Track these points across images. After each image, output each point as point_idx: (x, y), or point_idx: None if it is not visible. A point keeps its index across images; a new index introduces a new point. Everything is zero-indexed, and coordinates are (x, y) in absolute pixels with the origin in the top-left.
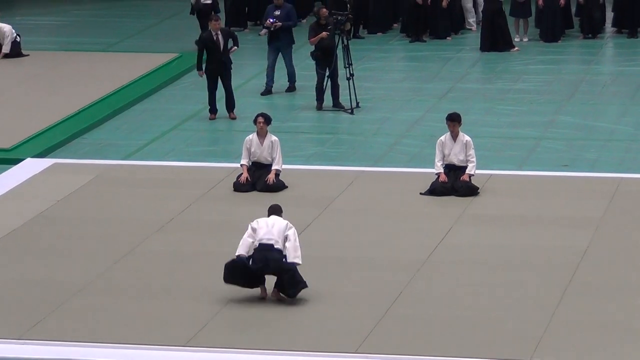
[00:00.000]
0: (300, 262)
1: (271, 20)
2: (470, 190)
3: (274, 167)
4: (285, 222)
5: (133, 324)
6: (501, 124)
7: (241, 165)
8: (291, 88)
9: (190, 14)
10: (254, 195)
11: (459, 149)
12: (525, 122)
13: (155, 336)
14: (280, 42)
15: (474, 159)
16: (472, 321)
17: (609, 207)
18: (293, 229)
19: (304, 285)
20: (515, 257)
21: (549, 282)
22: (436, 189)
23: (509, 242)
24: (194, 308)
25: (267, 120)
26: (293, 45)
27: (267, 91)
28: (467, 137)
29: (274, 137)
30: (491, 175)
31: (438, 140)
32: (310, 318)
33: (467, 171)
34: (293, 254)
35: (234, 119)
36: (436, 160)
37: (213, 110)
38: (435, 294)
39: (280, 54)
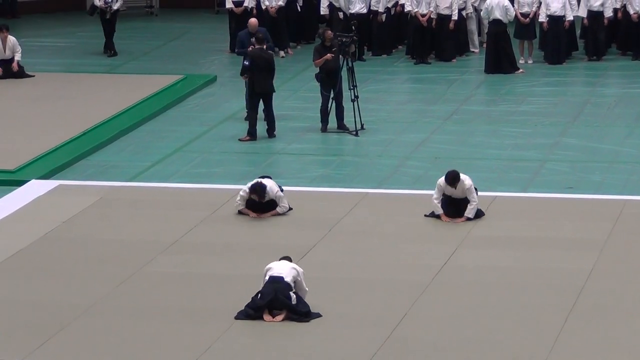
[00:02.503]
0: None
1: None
2: (476, 214)
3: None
4: (294, 265)
5: (136, 346)
6: (506, 146)
7: (242, 209)
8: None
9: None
10: (258, 218)
11: (459, 192)
12: (530, 144)
13: (159, 358)
14: None
15: (476, 201)
16: (476, 344)
17: (613, 229)
18: (302, 271)
19: (315, 315)
20: (520, 279)
21: (553, 304)
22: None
23: (513, 264)
24: (198, 330)
25: (261, 195)
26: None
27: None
28: (467, 183)
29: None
30: (495, 197)
31: (438, 182)
32: (314, 340)
33: (466, 214)
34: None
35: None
36: (434, 200)
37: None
38: (439, 316)
39: None
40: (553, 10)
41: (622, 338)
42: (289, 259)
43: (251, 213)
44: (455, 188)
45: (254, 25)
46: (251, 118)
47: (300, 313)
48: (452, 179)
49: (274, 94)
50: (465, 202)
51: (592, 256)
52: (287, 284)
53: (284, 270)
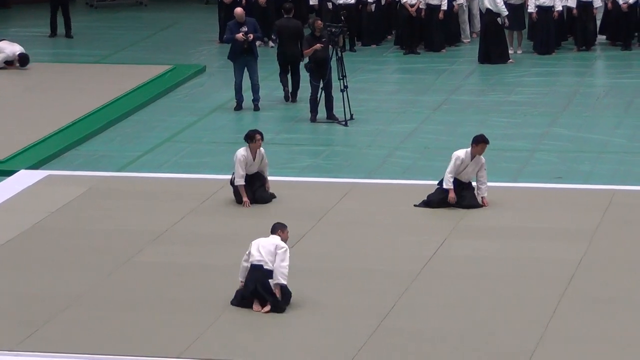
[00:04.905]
0: (284, 282)
1: (244, 31)
2: (474, 203)
3: (267, 176)
4: (276, 243)
5: (126, 335)
6: (495, 136)
7: (241, 186)
8: (257, 107)
9: None
10: (248, 207)
11: (472, 168)
12: (519, 134)
13: (149, 347)
14: (250, 57)
15: (486, 181)
16: (465, 333)
17: (603, 219)
18: (283, 249)
19: (288, 297)
20: (509, 268)
21: (542, 294)
22: (432, 202)
23: (502, 254)
24: (188, 319)
25: (263, 137)
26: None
27: (239, 107)
28: (483, 158)
29: (262, 149)
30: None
31: (456, 155)
32: (304, 329)
33: (483, 194)
34: (277, 274)
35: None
36: (448, 174)
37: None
38: (428, 306)
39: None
40: (542, 1)
41: (611, 327)
42: (276, 228)
43: (245, 197)
44: (482, 152)
45: (241, 14)
46: (283, 82)
47: (282, 307)
48: (483, 138)
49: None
50: (467, 187)
51: (581, 246)
52: (267, 271)
53: (264, 253)
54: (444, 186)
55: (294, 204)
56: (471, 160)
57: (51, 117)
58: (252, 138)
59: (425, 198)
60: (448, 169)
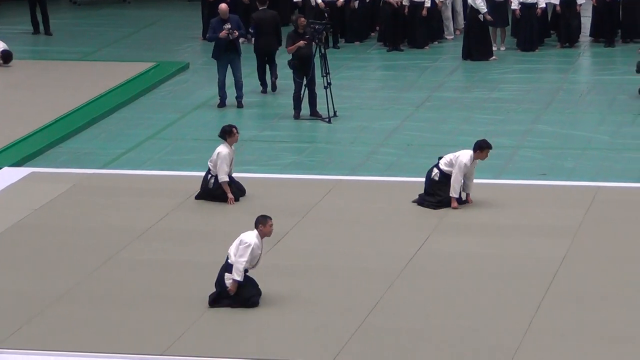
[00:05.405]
0: (238, 279)
1: (227, 28)
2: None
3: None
4: (242, 237)
5: (110, 333)
6: (478, 132)
7: (224, 182)
8: (241, 104)
9: None
10: (233, 204)
11: (469, 171)
12: (503, 131)
13: (133, 345)
14: (234, 54)
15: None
16: (448, 330)
17: (586, 216)
18: (246, 244)
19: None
20: (492, 265)
21: (526, 290)
22: (423, 204)
23: (486, 251)
24: (172, 316)
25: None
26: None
27: (223, 104)
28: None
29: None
30: None
31: (462, 163)
32: (287, 327)
33: (469, 191)
34: (233, 269)
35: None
36: (457, 185)
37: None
38: (412, 303)
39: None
40: None
41: (594, 323)
42: (259, 221)
43: (230, 194)
44: (486, 157)
45: (225, 11)
46: (261, 80)
47: (239, 301)
48: (487, 144)
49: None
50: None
51: (564, 242)
52: (228, 265)
53: (230, 252)
54: (453, 195)
55: (278, 201)
56: (471, 163)
57: (35, 115)
58: (230, 133)
59: (418, 198)
60: (457, 176)
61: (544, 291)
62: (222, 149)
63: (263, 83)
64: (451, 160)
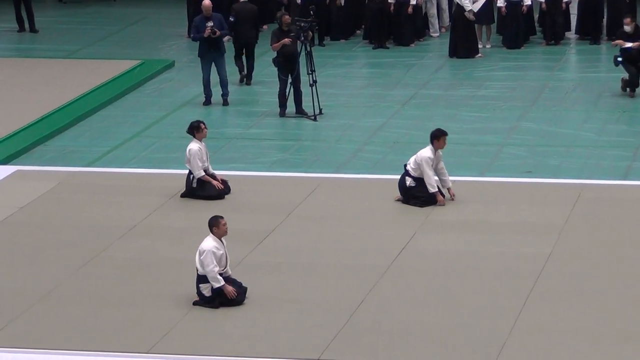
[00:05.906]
0: (217, 285)
1: (210, 25)
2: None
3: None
4: (198, 249)
5: (95, 331)
6: (464, 130)
7: (203, 176)
8: (226, 102)
9: None
10: (216, 201)
11: (436, 163)
12: (488, 129)
13: (118, 343)
14: (217, 53)
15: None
16: (434, 328)
17: (571, 213)
18: (204, 254)
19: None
20: (478, 263)
21: (511, 288)
22: (409, 203)
23: (471, 249)
24: (157, 315)
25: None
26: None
27: (208, 101)
28: (440, 151)
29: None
30: (454, 181)
31: (425, 158)
32: (272, 325)
33: (448, 185)
34: (209, 280)
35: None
36: (431, 179)
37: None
38: (398, 301)
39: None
40: None
41: (580, 320)
42: (212, 224)
43: (214, 181)
44: (445, 145)
45: (208, 8)
46: (238, 66)
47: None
48: (441, 131)
49: (255, 44)
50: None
51: (550, 240)
52: (200, 277)
53: (196, 261)
54: (431, 190)
55: (263, 198)
56: (434, 155)
57: (20, 112)
58: (198, 128)
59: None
60: (428, 174)
61: (530, 288)
62: (192, 146)
63: (241, 70)
64: (415, 161)
